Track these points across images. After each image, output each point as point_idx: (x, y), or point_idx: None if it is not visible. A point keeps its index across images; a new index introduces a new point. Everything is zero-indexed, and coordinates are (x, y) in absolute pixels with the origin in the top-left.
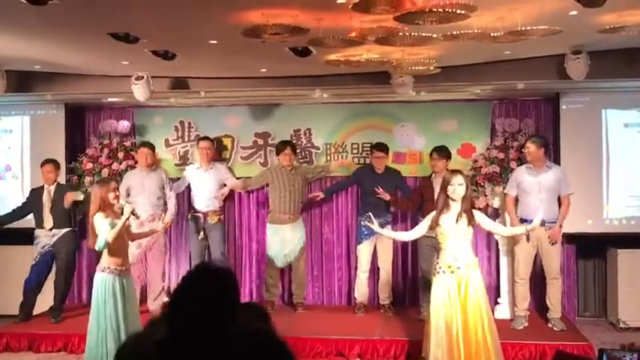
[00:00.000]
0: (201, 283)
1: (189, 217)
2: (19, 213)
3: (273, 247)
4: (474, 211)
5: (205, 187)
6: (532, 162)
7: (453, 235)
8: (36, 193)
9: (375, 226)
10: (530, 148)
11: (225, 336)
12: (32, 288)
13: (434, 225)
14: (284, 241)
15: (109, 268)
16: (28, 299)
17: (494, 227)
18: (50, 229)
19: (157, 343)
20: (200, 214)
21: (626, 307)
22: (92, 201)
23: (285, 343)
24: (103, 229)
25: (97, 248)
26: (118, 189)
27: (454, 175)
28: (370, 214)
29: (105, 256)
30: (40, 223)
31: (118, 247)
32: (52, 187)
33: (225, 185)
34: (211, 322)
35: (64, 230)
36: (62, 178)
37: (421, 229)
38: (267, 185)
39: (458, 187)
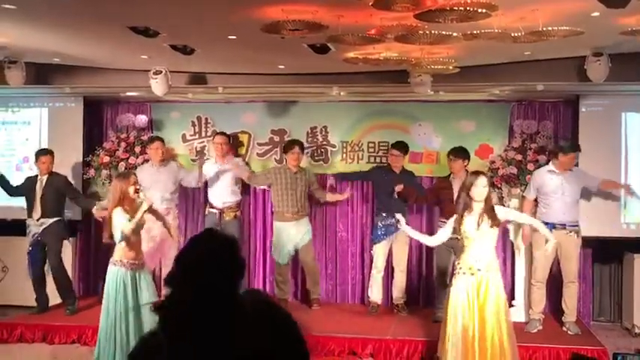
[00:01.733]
0: (209, 246)
1: (206, 212)
2: (11, 187)
3: (275, 244)
4: (496, 208)
5: (221, 182)
6: (567, 167)
7: (477, 237)
8: (30, 182)
9: (403, 225)
10: (574, 156)
11: (234, 300)
12: (36, 279)
13: (457, 227)
14: (288, 237)
15: (120, 261)
16: (38, 291)
17: (515, 215)
18: (38, 219)
19: (160, 308)
20: (216, 210)
21: None
22: (112, 194)
23: (291, 316)
24: (120, 223)
25: (116, 242)
26: (138, 182)
27: (478, 176)
28: (398, 217)
29: (118, 249)
30: (30, 213)
31: (131, 242)
32: (45, 177)
33: (241, 180)
34: (220, 284)
35: (52, 220)
36: (78, 172)
37: (445, 234)
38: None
39: (482, 190)
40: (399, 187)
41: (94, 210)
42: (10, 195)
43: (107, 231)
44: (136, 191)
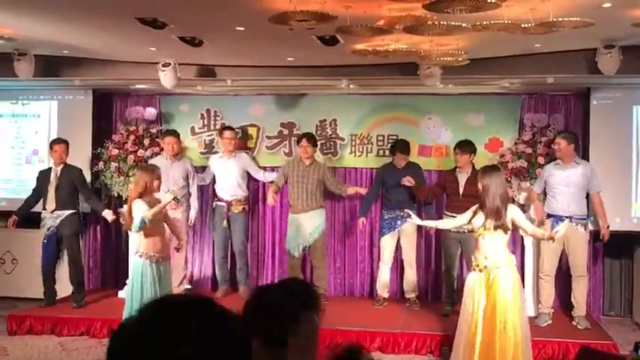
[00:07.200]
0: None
1: (213, 205)
2: (32, 200)
3: (289, 237)
4: (509, 207)
5: (229, 175)
6: (561, 158)
7: (485, 233)
8: (44, 175)
9: (415, 218)
10: (561, 144)
11: None
12: (47, 272)
13: (470, 220)
14: (299, 229)
15: (146, 253)
16: (47, 284)
17: (523, 224)
18: (53, 211)
19: None
20: (224, 203)
21: None
22: (135, 185)
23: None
24: (140, 210)
25: (133, 230)
26: (161, 178)
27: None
28: (408, 211)
29: (142, 241)
30: (44, 204)
31: (154, 234)
32: (59, 168)
33: (248, 173)
34: None
35: (68, 212)
36: (87, 164)
37: (462, 220)
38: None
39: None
40: (411, 182)
41: (104, 213)
42: (37, 202)
43: (128, 222)
44: (159, 186)
